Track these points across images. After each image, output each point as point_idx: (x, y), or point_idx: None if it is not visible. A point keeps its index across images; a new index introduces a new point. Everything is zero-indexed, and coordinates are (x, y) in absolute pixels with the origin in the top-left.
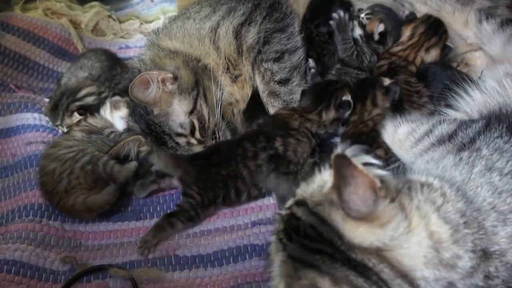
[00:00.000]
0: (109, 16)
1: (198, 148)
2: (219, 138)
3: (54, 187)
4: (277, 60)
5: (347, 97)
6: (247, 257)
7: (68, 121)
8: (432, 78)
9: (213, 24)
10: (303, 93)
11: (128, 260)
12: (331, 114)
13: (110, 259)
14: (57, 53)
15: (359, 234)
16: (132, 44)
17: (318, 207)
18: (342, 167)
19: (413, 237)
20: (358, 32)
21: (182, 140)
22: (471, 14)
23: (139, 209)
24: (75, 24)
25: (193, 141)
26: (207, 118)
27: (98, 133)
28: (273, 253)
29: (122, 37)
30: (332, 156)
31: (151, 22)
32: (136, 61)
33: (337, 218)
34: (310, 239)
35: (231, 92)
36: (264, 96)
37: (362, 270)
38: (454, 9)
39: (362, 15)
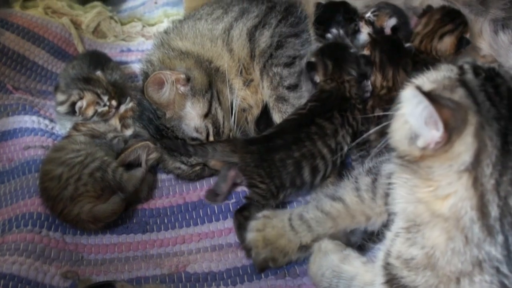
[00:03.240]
0: (111, 18)
1: None
2: None
3: (59, 193)
4: (287, 65)
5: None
6: (262, 276)
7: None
8: None
9: (226, 25)
10: (313, 64)
11: (135, 276)
12: (356, 71)
13: (114, 275)
14: (57, 54)
15: None
16: (134, 47)
17: None
18: None
19: None
20: (366, 31)
21: None
22: (485, 24)
23: (145, 220)
24: (76, 25)
25: None
26: (221, 122)
27: (101, 137)
28: None
29: (123, 39)
30: None
31: (153, 25)
32: (143, 63)
33: None
34: None
35: (244, 97)
36: (271, 101)
37: None
38: (467, 19)
39: (369, 14)
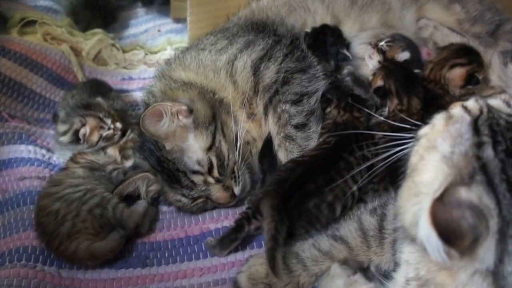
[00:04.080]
0: (113, 45)
1: (215, 188)
2: (238, 177)
3: (55, 229)
4: (295, 102)
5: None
6: None
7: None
8: None
9: (230, 56)
10: (327, 99)
11: None
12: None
13: None
14: (55, 82)
15: None
16: (136, 76)
17: None
18: None
19: None
20: (376, 59)
21: (198, 179)
22: (495, 56)
23: (145, 254)
24: (76, 52)
25: (211, 180)
26: (226, 155)
27: (100, 169)
28: None
29: (125, 67)
30: None
31: (156, 53)
32: (144, 94)
33: None
34: None
35: (248, 130)
36: (277, 138)
37: None
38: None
39: (382, 42)
